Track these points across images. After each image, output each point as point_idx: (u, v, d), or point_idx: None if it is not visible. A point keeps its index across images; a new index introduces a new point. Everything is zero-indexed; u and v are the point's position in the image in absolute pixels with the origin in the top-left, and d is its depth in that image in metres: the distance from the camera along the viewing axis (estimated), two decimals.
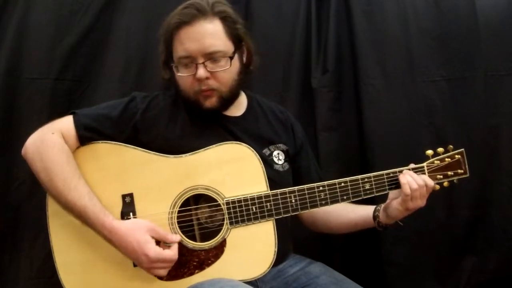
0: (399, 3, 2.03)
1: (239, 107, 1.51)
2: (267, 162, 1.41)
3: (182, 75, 1.38)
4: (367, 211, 1.48)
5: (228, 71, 1.38)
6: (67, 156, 1.29)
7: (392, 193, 1.44)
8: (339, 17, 2.04)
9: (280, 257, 1.38)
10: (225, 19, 1.38)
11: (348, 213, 1.51)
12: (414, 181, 1.37)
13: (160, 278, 1.30)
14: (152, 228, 1.26)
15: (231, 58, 1.38)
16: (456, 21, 2.01)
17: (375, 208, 1.47)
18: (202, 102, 1.39)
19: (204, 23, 1.35)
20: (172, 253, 1.25)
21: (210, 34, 1.35)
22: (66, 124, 1.34)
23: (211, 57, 1.35)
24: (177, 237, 1.28)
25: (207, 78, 1.35)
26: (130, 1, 1.94)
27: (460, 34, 2.01)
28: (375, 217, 1.46)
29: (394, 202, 1.40)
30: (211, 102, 1.39)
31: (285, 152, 1.51)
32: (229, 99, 1.43)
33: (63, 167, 1.27)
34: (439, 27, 2.02)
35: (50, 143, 1.29)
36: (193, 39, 1.34)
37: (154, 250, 1.22)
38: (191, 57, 1.35)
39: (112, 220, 1.25)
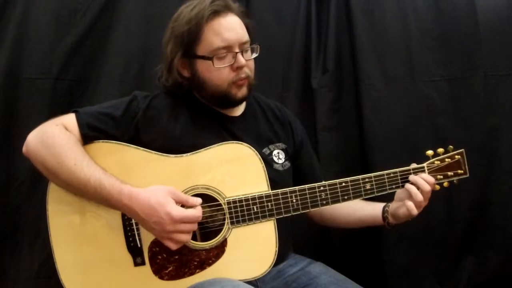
0: (399, 3, 2.03)
1: (239, 106, 1.51)
2: (267, 162, 1.40)
3: (220, 67, 1.38)
4: (375, 211, 1.48)
5: (253, 61, 1.45)
6: (75, 140, 1.29)
7: (397, 195, 1.45)
8: (339, 17, 2.05)
9: (280, 257, 1.37)
10: (241, 14, 1.43)
11: (356, 212, 1.52)
12: (418, 192, 1.38)
13: (164, 277, 1.29)
14: (171, 190, 1.23)
15: (253, 48, 1.44)
16: (456, 21, 2.02)
17: (384, 209, 1.47)
18: (234, 93, 1.41)
19: (232, 15, 1.40)
20: (195, 211, 1.22)
21: (239, 25, 1.40)
22: (69, 121, 1.33)
23: (244, 47, 1.40)
24: (198, 200, 1.26)
25: (244, 66, 1.40)
26: (130, 1, 1.94)
27: (460, 34, 2.02)
28: (384, 218, 1.47)
29: (400, 210, 1.41)
30: (243, 92, 1.42)
31: (285, 151, 1.52)
32: (252, 88, 1.47)
33: (72, 149, 1.26)
34: (439, 27, 2.03)
35: (55, 131, 1.28)
36: (231, 28, 1.38)
37: (176, 209, 1.20)
38: (229, 47, 1.37)
39: (130, 186, 1.23)
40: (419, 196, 1.37)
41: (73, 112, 1.37)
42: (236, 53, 1.37)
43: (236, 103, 1.45)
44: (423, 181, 1.39)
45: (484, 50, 2.01)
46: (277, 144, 1.51)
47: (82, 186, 1.24)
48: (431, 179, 1.41)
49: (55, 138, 1.27)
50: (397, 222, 1.45)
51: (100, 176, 1.23)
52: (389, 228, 1.47)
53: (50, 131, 1.29)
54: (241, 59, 1.38)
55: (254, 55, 1.44)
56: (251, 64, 1.44)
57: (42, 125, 1.33)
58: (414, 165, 1.45)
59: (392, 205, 1.45)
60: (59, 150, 1.25)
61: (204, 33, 1.37)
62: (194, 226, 1.23)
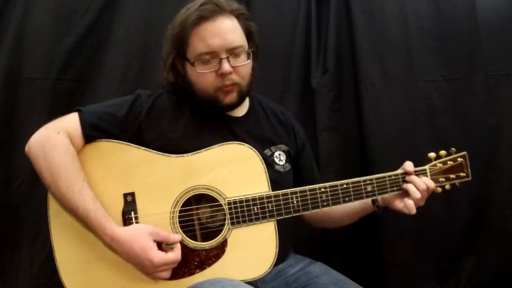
0: (399, 3, 2.04)
1: (242, 107, 1.50)
2: (268, 163, 1.40)
3: (203, 72, 1.37)
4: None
5: (247, 66, 1.40)
6: (72, 157, 1.27)
7: None
8: (339, 17, 2.05)
9: (280, 257, 1.37)
10: (240, 17, 1.40)
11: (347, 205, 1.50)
12: (416, 190, 1.39)
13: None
14: (153, 231, 1.24)
15: (249, 53, 1.40)
16: (456, 21, 2.02)
17: None
18: (221, 98, 1.39)
19: (224, 18, 1.36)
20: (174, 255, 1.24)
21: (231, 29, 1.37)
22: (72, 122, 1.32)
23: (233, 52, 1.36)
24: (178, 236, 1.27)
25: (230, 73, 1.36)
26: (130, 1, 1.94)
27: (460, 34, 2.02)
28: (373, 200, 1.47)
29: (396, 203, 1.43)
30: (231, 98, 1.40)
31: (287, 153, 1.51)
32: (246, 94, 1.45)
33: (67, 170, 1.25)
34: (439, 27, 2.03)
35: (56, 143, 1.27)
36: (216, 34, 1.34)
37: (157, 255, 1.21)
38: (213, 52, 1.35)
39: (114, 227, 1.23)
40: (417, 194, 1.39)
41: (76, 111, 1.36)
42: (221, 59, 1.35)
43: (225, 108, 1.43)
44: (419, 180, 1.41)
45: (484, 50, 2.02)
46: (278, 146, 1.50)
47: (71, 210, 1.25)
48: (431, 183, 1.42)
49: (53, 152, 1.26)
50: (386, 205, 1.46)
51: (89, 208, 1.23)
52: (379, 211, 1.49)
53: (52, 141, 1.28)
54: (225, 66, 1.35)
55: (248, 61, 1.41)
56: (243, 70, 1.39)
57: (45, 127, 1.31)
58: (410, 164, 1.45)
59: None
60: (55, 167, 1.25)
61: (190, 38, 1.37)
62: (174, 265, 1.26)
